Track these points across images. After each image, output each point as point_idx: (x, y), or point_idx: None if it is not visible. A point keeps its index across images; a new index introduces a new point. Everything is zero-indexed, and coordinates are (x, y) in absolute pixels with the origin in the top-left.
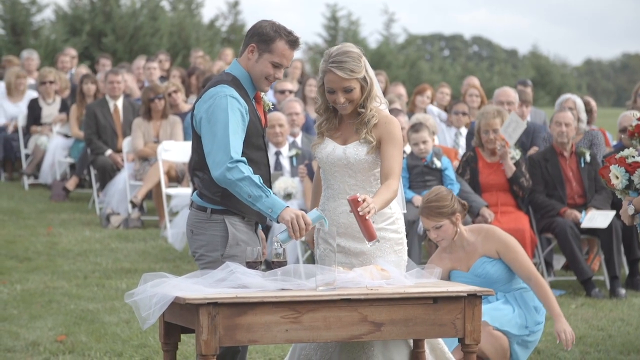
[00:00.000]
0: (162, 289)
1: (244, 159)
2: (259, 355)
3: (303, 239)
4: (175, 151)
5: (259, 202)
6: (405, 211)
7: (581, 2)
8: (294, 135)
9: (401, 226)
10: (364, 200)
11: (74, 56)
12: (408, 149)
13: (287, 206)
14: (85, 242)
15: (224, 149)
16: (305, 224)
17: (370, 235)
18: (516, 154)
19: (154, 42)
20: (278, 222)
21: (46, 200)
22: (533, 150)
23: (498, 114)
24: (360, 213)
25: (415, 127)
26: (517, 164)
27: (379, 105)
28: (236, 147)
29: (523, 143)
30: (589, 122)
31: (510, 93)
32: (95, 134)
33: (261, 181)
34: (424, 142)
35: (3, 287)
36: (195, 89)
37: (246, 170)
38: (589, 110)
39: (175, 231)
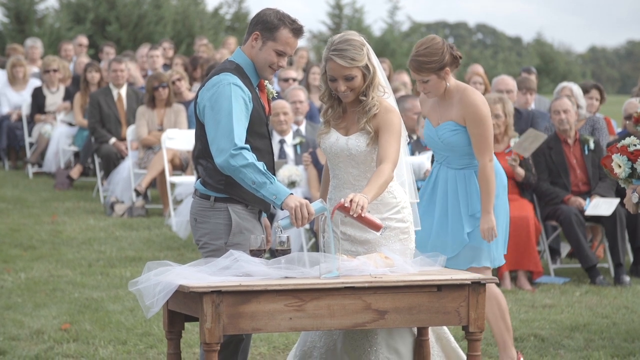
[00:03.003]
0: (166, 277)
1: (247, 146)
2: (263, 344)
3: (307, 227)
4: (180, 139)
5: (263, 189)
6: (418, 200)
7: None
8: (297, 123)
9: (407, 215)
10: (351, 202)
11: (84, 44)
12: (414, 136)
13: (291, 193)
14: (89, 231)
15: (228, 136)
16: (308, 214)
17: (375, 228)
18: None
19: (158, 30)
20: (282, 208)
21: (50, 188)
22: None
23: (499, 100)
24: (355, 216)
25: None
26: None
27: (383, 94)
28: (240, 134)
29: (522, 130)
30: (596, 109)
31: (508, 81)
32: (99, 123)
33: (265, 168)
34: None
35: (7, 275)
36: (200, 78)
37: (250, 157)
38: (601, 92)
39: (179, 219)
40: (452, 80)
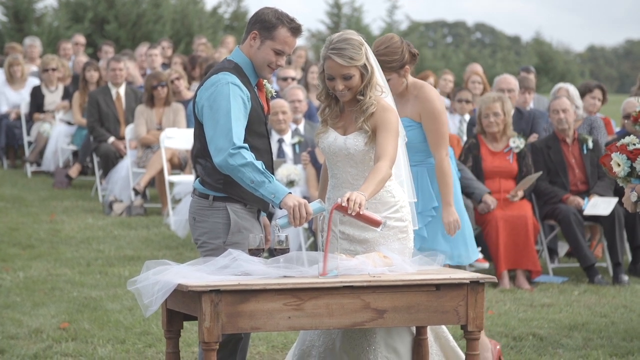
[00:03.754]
0: (164, 277)
1: (246, 145)
2: (261, 343)
3: (305, 226)
4: (178, 138)
5: (262, 188)
6: (415, 200)
7: None
8: (296, 122)
9: (406, 214)
10: (348, 200)
11: (82, 43)
12: None
13: (290, 192)
14: (88, 230)
15: (226, 136)
16: (306, 213)
17: (374, 224)
18: (520, 142)
19: (157, 29)
20: (280, 207)
21: (49, 187)
22: (533, 137)
23: (498, 99)
24: (353, 214)
25: None
26: (522, 154)
27: (381, 94)
28: (238, 133)
29: (523, 130)
30: (597, 108)
31: (510, 80)
32: (98, 122)
33: (264, 167)
34: None
35: (6, 274)
36: (198, 77)
37: (249, 156)
38: (604, 92)
39: (177, 218)
40: (409, 79)
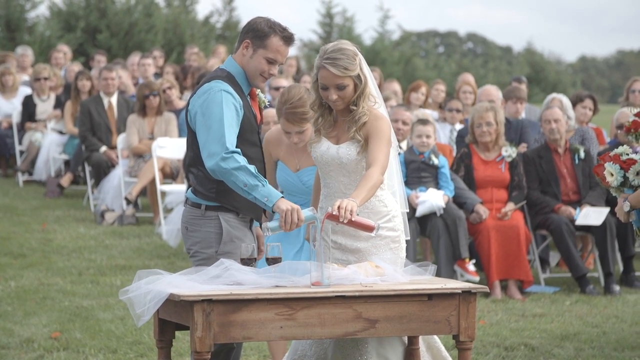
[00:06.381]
0: (156, 286)
1: (238, 150)
2: (253, 352)
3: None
4: (170, 148)
5: (255, 191)
6: (407, 210)
7: None
8: None
9: (398, 224)
10: (339, 208)
11: (66, 52)
12: (405, 145)
13: (283, 196)
14: (79, 239)
15: (219, 140)
16: (298, 219)
17: (368, 229)
18: (512, 151)
19: (149, 39)
20: (273, 211)
21: (41, 196)
22: (522, 147)
23: (491, 109)
24: (345, 222)
25: (423, 121)
26: (513, 163)
27: (374, 104)
28: (231, 139)
29: (512, 139)
30: (589, 118)
31: (491, 91)
32: (90, 131)
33: (256, 171)
34: (428, 136)
35: None
36: (190, 86)
37: (241, 160)
38: (595, 102)
39: (169, 228)
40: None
